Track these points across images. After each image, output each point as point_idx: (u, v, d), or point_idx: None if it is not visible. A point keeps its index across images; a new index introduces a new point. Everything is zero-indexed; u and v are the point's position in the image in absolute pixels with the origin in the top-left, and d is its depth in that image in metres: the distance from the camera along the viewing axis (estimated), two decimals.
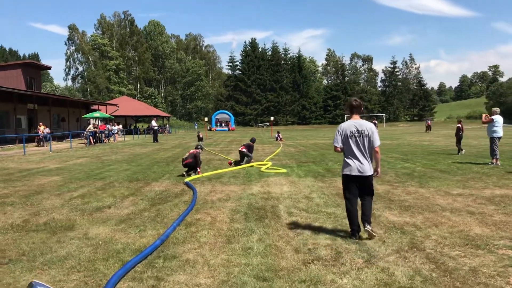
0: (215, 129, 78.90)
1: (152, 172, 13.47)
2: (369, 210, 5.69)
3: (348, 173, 5.66)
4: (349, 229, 5.77)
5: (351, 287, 3.98)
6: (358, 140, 5.61)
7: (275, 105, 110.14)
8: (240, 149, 16.14)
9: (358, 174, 5.57)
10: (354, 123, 5.70)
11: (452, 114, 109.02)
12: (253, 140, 16.97)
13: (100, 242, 5.64)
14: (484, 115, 14.43)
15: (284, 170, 13.24)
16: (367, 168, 5.58)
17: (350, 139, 5.65)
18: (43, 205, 8.38)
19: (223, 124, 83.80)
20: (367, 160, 5.62)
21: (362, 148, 5.60)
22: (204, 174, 12.61)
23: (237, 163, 15.57)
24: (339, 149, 5.77)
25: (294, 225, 6.35)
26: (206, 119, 49.05)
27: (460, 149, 18.39)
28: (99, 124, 40.65)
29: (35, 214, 7.52)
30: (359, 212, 5.71)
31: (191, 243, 5.53)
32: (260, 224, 6.45)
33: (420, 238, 5.56)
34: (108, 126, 37.78)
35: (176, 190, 10.05)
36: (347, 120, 6.01)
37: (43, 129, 31.21)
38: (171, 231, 6.00)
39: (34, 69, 45.03)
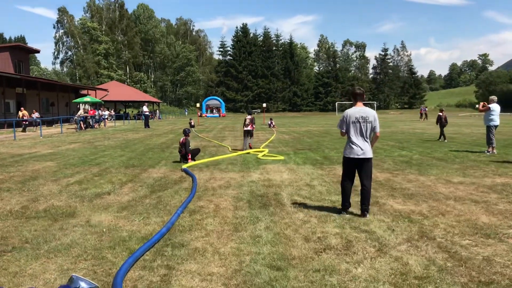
0: (206, 115, 78.47)
1: (147, 158, 13.31)
2: (369, 197, 6.15)
3: (349, 155, 6.14)
4: (340, 206, 6.39)
5: (366, 277, 3.92)
6: (362, 126, 6.07)
7: (266, 92, 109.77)
8: (249, 128, 15.87)
9: (360, 156, 6.05)
10: (360, 110, 6.15)
11: (442, 102, 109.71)
12: (250, 113, 16.69)
13: (104, 230, 5.52)
14: (481, 103, 14.44)
15: (282, 157, 13.16)
16: (368, 151, 6.07)
17: (354, 125, 6.11)
18: (40, 191, 8.22)
19: (214, 111, 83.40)
20: (368, 144, 6.12)
21: (365, 133, 6.07)
22: (202, 161, 12.49)
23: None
24: (345, 133, 6.27)
25: (299, 213, 6.28)
26: (198, 105, 48.62)
27: (443, 136, 19.05)
28: (89, 109, 40.13)
29: (34, 201, 7.36)
30: (359, 199, 6.27)
31: (197, 231, 5.44)
32: (265, 212, 6.37)
33: (428, 227, 5.53)
34: (98, 111, 37.31)
35: (174, 176, 9.93)
36: (350, 107, 6.40)
37: (22, 115, 30.10)
38: (175, 219, 5.91)
39: (22, 52, 44.23)
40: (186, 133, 12.51)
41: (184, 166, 11.24)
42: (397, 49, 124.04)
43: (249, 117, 16.09)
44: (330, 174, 9.98)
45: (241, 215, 6.20)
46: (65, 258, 4.49)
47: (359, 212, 6.22)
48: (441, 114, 19.65)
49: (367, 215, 6.06)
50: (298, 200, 7.20)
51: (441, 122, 19.36)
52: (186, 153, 12.27)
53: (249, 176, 9.85)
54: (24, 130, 29.17)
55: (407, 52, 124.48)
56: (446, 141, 18.71)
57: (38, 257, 4.55)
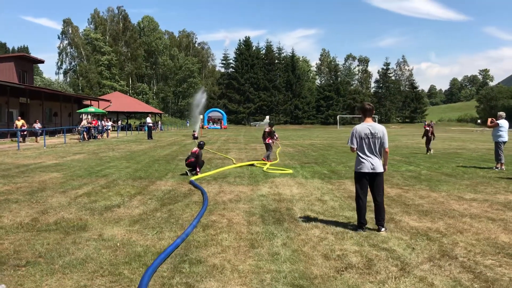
0: (207, 127, 78.48)
1: (154, 170, 13.22)
2: (383, 212, 6.23)
3: (361, 170, 6.19)
4: (356, 223, 6.35)
5: None
6: (371, 141, 6.16)
7: (268, 104, 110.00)
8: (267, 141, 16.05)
9: (371, 171, 6.12)
10: (368, 126, 6.24)
11: (444, 117, 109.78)
12: (271, 125, 16.78)
13: (118, 244, 5.42)
14: (489, 119, 14.38)
15: (290, 171, 13.07)
16: (378, 165, 6.15)
17: (363, 141, 6.19)
18: (49, 203, 8.12)
19: (214, 123, 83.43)
20: (378, 159, 6.19)
21: (374, 149, 6.16)
22: (209, 173, 12.42)
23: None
24: (355, 150, 6.30)
25: (315, 229, 6.18)
26: (201, 117, 48.59)
27: (428, 149, 20.19)
28: (92, 120, 40.11)
29: (43, 213, 7.26)
30: (373, 215, 6.34)
31: (213, 247, 5.34)
32: (280, 228, 6.27)
33: (448, 245, 5.42)
34: (102, 122, 37.29)
35: (183, 189, 9.83)
36: (352, 120, 6.46)
37: (21, 124, 28.45)
38: (190, 232, 5.81)
39: (26, 62, 44.36)
40: (201, 146, 12.85)
41: (192, 178, 11.16)
42: (399, 64, 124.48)
43: (267, 129, 16.25)
44: (340, 189, 9.88)
45: (256, 231, 6.10)
46: (81, 274, 4.39)
47: (375, 228, 6.13)
48: (428, 128, 20.63)
49: (383, 230, 6.07)
50: (311, 216, 7.10)
51: (427, 136, 20.33)
52: (198, 164, 12.24)
53: (259, 190, 9.75)
54: (23, 140, 28.43)
55: (408, 66, 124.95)
56: (431, 153, 19.80)
57: (53, 272, 4.44)
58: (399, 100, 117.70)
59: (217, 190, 9.78)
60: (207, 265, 4.68)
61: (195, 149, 12.62)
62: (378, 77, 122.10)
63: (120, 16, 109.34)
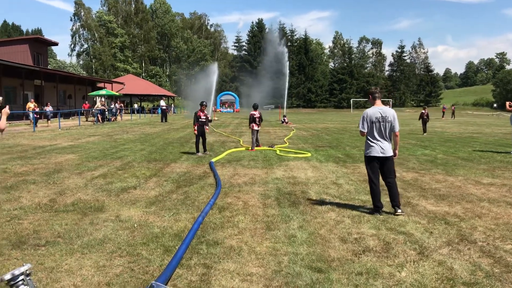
0: (220, 110, 78.46)
1: (168, 153, 13.27)
2: (397, 194, 6.20)
3: (371, 154, 6.19)
4: (372, 206, 6.27)
5: (412, 281, 3.79)
6: (382, 125, 6.14)
7: (280, 87, 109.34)
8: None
9: (380, 155, 6.11)
10: (379, 110, 6.20)
11: (459, 101, 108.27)
12: (256, 107, 14.88)
13: (135, 225, 5.46)
14: (507, 103, 14.12)
15: (308, 154, 13.02)
16: (388, 149, 6.14)
17: (374, 124, 6.16)
18: (66, 184, 8.20)
19: (226, 106, 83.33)
20: (388, 143, 6.18)
21: (384, 132, 6.14)
22: (221, 156, 12.46)
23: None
24: (366, 134, 6.27)
25: (331, 212, 6.16)
26: (213, 100, 48.56)
27: (424, 131, 22.72)
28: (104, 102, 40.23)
29: (61, 194, 7.34)
30: (388, 198, 6.28)
31: (230, 229, 5.35)
32: (296, 211, 6.26)
33: (467, 230, 5.36)
34: (116, 104, 37.46)
35: (197, 171, 9.86)
36: (365, 104, 6.40)
37: (33, 107, 27.87)
38: (205, 215, 5.84)
39: (41, 44, 44.53)
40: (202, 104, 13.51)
41: (213, 160, 11.32)
42: (414, 46, 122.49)
43: (256, 114, 14.66)
44: (355, 173, 9.82)
45: (272, 213, 6.10)
46: (99, 254, 4.43)
47: (391, 211, 6.09)
48: (423, 111, 23.19)
49: (400, 211, 6.05)
50: (327, 199, 7.07)
51: (423, 118, 22.85)
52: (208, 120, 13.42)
53: (273, 173, 9.74)
54: (35, 123, 27.99)
55: (424, 49, 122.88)
56: (425, 134, 21.98)
57: (72, 252, 4.49)
58: (414, 83, 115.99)
59: (231, 173, 9.79)
60: (224, 246, 4.70)
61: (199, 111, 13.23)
62: (393, 60, 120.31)
63: None
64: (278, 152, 13.67)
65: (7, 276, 1.74)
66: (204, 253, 4.47)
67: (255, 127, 14.49)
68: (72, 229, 5.29)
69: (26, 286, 1.78)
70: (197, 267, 4.09)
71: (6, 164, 10.47)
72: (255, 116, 14.55)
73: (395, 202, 6.13)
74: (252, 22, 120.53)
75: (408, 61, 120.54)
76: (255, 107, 14.81)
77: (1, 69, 28.35)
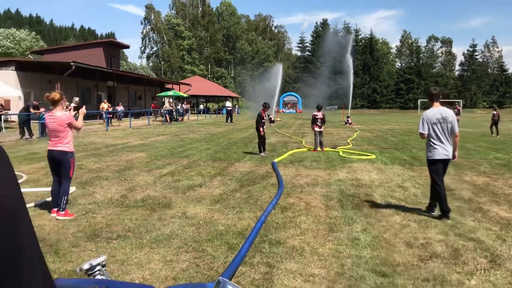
0: (283, 111, 78.55)
1: (232, 153, 13.51)
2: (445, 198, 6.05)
3: (435, 157, 6.03)
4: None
5: None
6: (443, 126, 6.02)
7: (344, 88, 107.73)
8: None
9: (444, 157, 6.00)
10: (439, 111, 6.12)
11: None
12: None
13: (201, 222, 5.63)
14: None
15: (373, 156, 12.77)
16: (450, 151, 6.05)
17: (435, 126, 6.04)
18: (136, 181, 8.60)
19: (289, 106, 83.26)
20: (450, 144, 6.07)
21: (445, 134, 6.02)
22: (282, 157, 12.51)
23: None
24: (425, 136, 6.15)
25: (396, 216, 6.02)
26: (276, 100, 48.79)
27: (492, 132, 22.66)
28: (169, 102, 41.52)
29: (131, 190, 7.71)
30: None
31: (292, 229, 5.38)
32: (359, 213, 6.17)
33: None
34: (182, 105, 38.64)
35: (260, 171, 9.98)
36: (430, 107, 6.34)
37: (106, 107, 29.29)
38: (268, 215, 5.91)
39: (114, 47, 46.86)
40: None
41: (275, 160, 11.41)
42: (487, 45, 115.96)
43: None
44: (422, 176, 9.49)
45: (335, 215, 6.06)
46: (167, 249, 4.62)
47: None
48: (495, 112, 23.20)
49: (449, 217, 5.90)
50: (392, 202, 6.91)
51: (494, 119, 22.73)
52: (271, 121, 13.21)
53: (336, 175, 9.65)
54: (109, 123, 29.67)
55: (498, 47, 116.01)
56: (498, 136, 21.61)
57: (141, 246, 4.72)
58: (487, 83, 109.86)
59: (293, 173, 9.81)
60: (286, 246, 4.74)
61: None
62: (463, 59, 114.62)
63: (199, 0, 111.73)
64: (341, 153, 13.52)
65: (86, 266, 1.90)
66: (267, 252, 4.53)
67: (316, 128, 14.40)
68: (142, 224, 5.56)
69: (101, 276, 1.92)
70: (260, 265, 4.16)
71: (82, 161, 11.12)
72: (317, 117, 14.46)
73: (446, 206, 5.96)
74: (316, 23, 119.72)
75: (480, 60, 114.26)
76: (319, 108, 14.70)
77: (78, 71, 30.13)
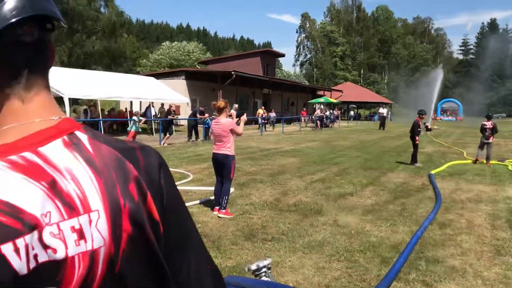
0: (440, 119, 73.34)
1: (385, 161, 13.10)
2: None
3: None
4: None
5: None
6: None
7: None
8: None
9: None
10: None
11: None
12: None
13: (353, 232, 5.59)
14: None
15: None
16: None
17: None
18: (288, 185, 8.88)
19: (448, 114, 77.40)
20: None
21: None
22: (440, 169, 11.70)
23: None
24: None
25: None
26: (433, 107, 45.88)
27: None
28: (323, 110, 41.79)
29: (284, 194, 7.99)
30: None
31: (452, 247, 5.03)
32: None
33: None
34: (333, 111, 38.67)
35: (415, 183, 9.49)
36: None
37: (262, 113, 31.07)
38: (424, 230, 5.60)
39: (270, 56, 49.03)
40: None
41: (432, 172, 10.77)
42: None
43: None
44: None
45: (502, 237, 5.49)
46: (319, 256, 4.69)
47: None
48: None
49: None
50: None
51: None
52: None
53: (504, 191, 8.71)
54: (264, 128, 31.65)
55: None
56: None
57: (295, 250, 4.87)
58: None
59: (453, 187, 9.12)
60: (445, 265, 4.45)
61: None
62: None
63: (354, 6, 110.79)
64: (510, 167, 12.14)
65: (253, 267, 2.05)
66: (423, 270, 4.31)
67: (484, 140, 13.18)
68: (294, 228, 5.73)
69: (267, 278, 2.06)
70: (415, 282, 3.98)
71: (239, 163, 11.85)
72: (485, 127, 13.23)
73: None
74: (483, 23, 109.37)
75: None
76: (488, 117, 13.53)
77: (238, 80, 32.22)
